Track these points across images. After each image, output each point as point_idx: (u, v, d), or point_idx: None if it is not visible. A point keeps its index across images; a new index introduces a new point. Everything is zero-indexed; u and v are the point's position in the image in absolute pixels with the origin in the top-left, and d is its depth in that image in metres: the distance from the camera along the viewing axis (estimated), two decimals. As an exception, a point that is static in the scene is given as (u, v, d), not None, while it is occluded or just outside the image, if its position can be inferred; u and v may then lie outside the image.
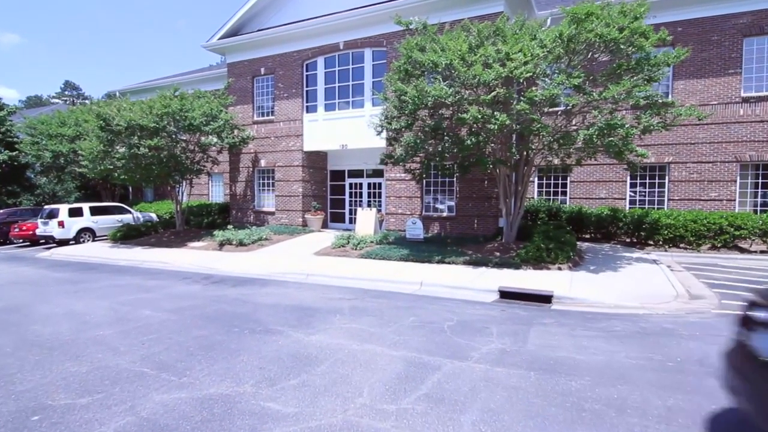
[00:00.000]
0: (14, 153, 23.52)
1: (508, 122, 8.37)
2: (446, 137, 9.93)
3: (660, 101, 9.18)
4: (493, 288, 7.93)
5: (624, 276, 8.78)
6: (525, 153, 10.32)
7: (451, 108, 10.83)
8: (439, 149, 9.82)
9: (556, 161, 10.69)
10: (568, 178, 15.28)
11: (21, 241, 18.69)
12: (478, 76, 8.55)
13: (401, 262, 10.67)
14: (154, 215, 20.39)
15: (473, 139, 9.58)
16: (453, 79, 9.57)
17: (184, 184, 18.10)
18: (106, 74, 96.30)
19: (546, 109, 9.46)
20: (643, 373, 3.92)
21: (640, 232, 12.49)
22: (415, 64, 10.24)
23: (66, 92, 66.84)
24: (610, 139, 8.46)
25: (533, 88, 8.78)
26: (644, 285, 8.13)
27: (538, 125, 8.77)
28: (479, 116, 8.45)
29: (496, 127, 8.45)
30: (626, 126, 8.38)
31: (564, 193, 15.44)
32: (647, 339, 5.01)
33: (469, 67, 8.88)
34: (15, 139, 24.15)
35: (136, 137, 14.16)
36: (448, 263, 10.18)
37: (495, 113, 8.60)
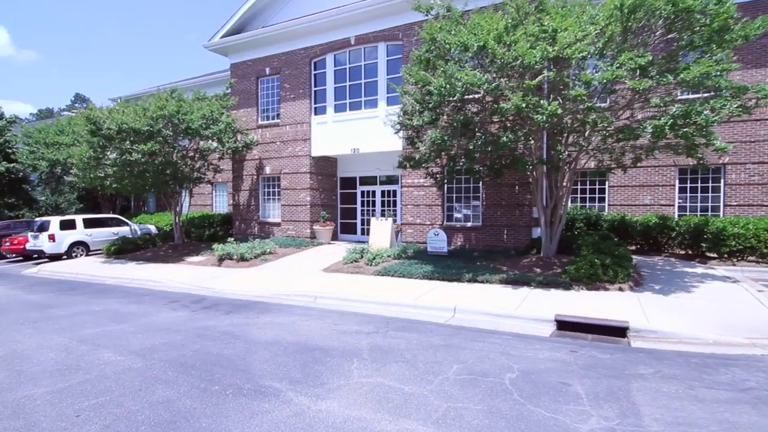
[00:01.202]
0: (12, 165, 22.57)
1: (559, 112, 6.86)
2: (478, 134, 8.44)
3: (732, 85, 7.60)
4: (545, 316, 6.33)
5: (702, 299, 7.11)
6: (566, 152, 8.77)
7: (480, 102, 9.38)
8: (470, 147, 8.31)
9: (608, 161, 9.09)
10: (607, 182, 13.64)
11: (14, 255, 17.56)
12: (521, 57, 7.07)
13: (425, 280, 9.12)
14: (152, 227, 19.14)
15: (510, 136, 8.09)
16: (486, 65, 8.12)
17: (183, 193, 16.86)
18: (117, 86, 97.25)
19: (592, 102, 7.90)
20: None
21: (700, 243, 10.78)
22: (439, 50, 8.84)
23: (76, 104, 66.86)
24: (685, 130, 6.89)
25: (585, 72, 7.28)
26: (735, 311, 6.45)
27: (594, 115, 7.24)
28: (523, 105, 6.95)
29: (544, 118, 6.94)
30: (705, 113, 6.81)
31: (602, 200, 13.78)
32: (814, 407, 3.39)
33: (508, 48, 7.42)
34: (14, 150, 23.26)
35: (128, 142, 12.93)
36: (482, 282, 8.61)
37: (541, 101, 7.10)
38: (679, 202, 12.85)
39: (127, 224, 18.06)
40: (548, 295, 7.58)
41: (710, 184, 12.54)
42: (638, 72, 6.91)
